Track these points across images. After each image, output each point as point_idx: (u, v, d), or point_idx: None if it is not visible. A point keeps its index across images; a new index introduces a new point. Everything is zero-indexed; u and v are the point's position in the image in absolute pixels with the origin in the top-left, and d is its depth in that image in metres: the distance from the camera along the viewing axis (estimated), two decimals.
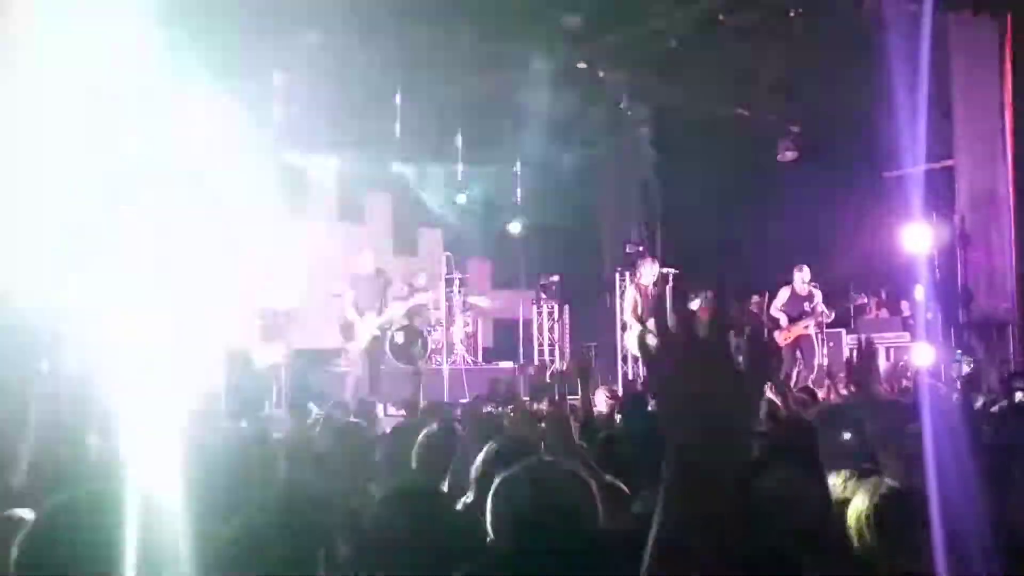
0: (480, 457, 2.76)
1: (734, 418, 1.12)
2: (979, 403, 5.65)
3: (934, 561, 2.12)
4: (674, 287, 1.18)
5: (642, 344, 1.35)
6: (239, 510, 2.39)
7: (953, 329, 10.97)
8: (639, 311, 11.63)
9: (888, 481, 2.78)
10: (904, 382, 10.38)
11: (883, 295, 13.90)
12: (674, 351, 1.17)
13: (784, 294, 12.16)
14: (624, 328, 12.24)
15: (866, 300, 12.60)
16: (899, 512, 2.53)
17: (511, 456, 2.43)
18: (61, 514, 1.85)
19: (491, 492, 1.95)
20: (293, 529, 2.30)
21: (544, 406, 4.91)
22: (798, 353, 11.90)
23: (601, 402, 6.80)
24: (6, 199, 7.36)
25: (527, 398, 4.72)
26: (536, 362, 14.44)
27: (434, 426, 3.99)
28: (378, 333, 10.92)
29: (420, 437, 3.89)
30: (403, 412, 6.51)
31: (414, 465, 3.75)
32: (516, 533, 1.89)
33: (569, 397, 6.15)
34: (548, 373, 13.02)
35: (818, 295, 12.12)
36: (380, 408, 10.06)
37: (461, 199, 15.69)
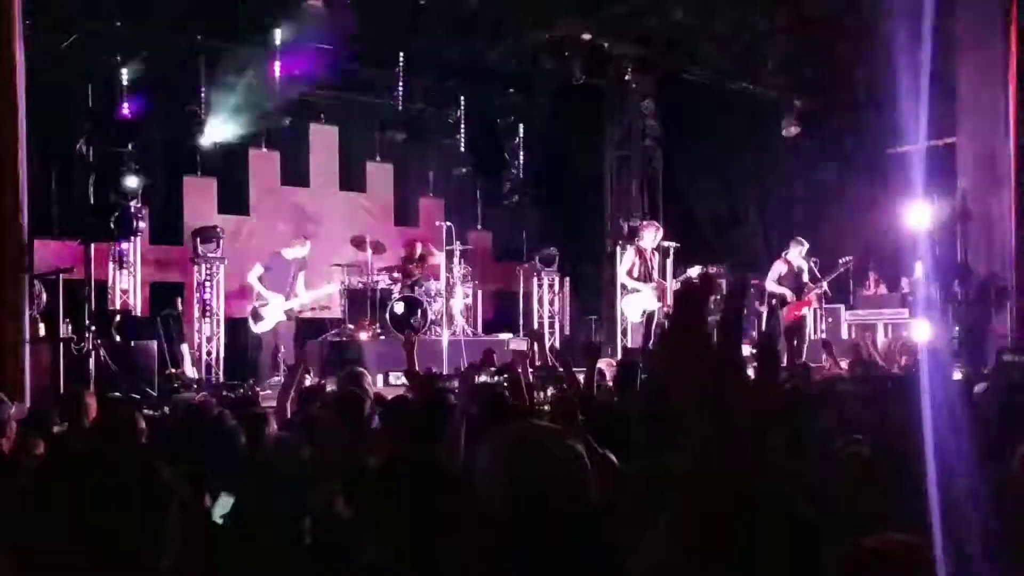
0: (471, 425, 2.77)
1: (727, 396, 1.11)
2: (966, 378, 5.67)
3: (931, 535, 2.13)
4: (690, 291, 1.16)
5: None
6: (228, 473, 2.41)
7: (951, 305, 10.96)
8: (635, 272, 11.64)
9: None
10: (904, 358, 10.40)
11: (875, 270, 13.80)
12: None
13: (779, 268, 11.97)
14: (622, 288, 12.18)
15: (850, 260, 12.31)
16: None
17: (501, 423, 2.43)
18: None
19: (480, 456, 1.96)
20: (276, 495, 2.32)
21: (550, 391, 4.96)
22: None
23: (603, 374, 6.83)
24: None
25: (520, 370, 4.74)
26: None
27: (429, 395, 4.00)
28: (283, 318, 11.37)
29: (415, 406, 3.91)
30: (404, 382, 6.53)
31: (409, 434, 3.77)
32: (503, 497, 1.90)
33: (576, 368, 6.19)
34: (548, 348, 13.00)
35: (815, 269, 12.03)
36: (380, 378, 10.16)
37: (463, 170, 15.64)
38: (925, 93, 7.68)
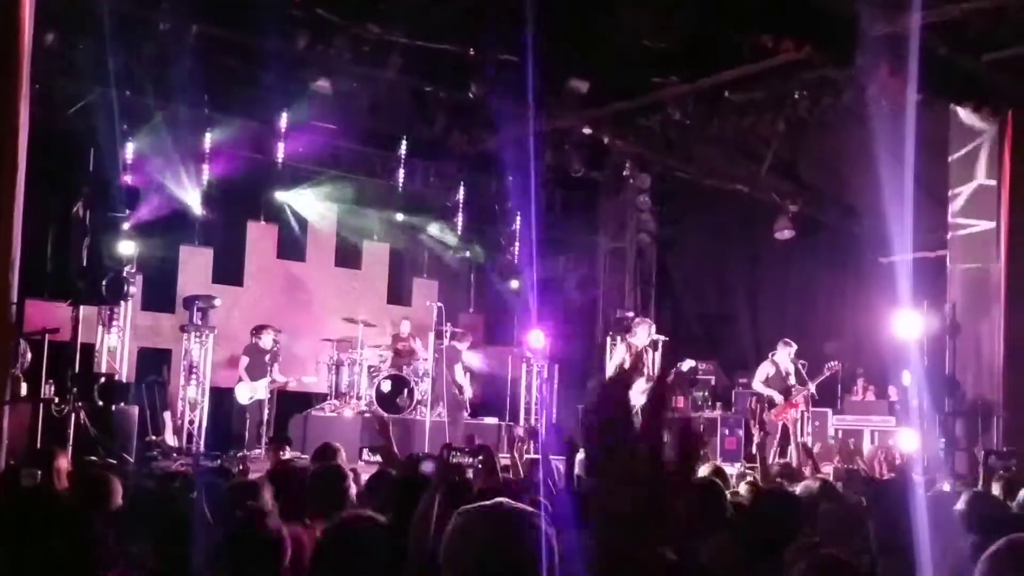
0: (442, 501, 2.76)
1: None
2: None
3: None
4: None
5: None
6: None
7: (938, 417, 10.95)
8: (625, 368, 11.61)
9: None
10: (887, 468, 10.31)
11: (864, 377, 13.80)
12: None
13: (767, 369, 11.98)
14: None
15: (836, 366, 12.35)
16: None
17: (471, 501, 2.42)
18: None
19: (449, 527, 1.96)
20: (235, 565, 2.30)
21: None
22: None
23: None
24: None
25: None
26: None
27: (405, 473, 3.97)
28: (263, 397, 11.93)
29: (392, 483, 3.87)
30: (379, 459, 6.49)
31: (380, 509, 3.72)
32: (463, 568, 1.89)
33: (554, 457, 6.17)
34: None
35: (803, 371, 12.02)
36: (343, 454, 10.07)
37: (460, 254, 15.76)
38: (910, 206, 7.82)
